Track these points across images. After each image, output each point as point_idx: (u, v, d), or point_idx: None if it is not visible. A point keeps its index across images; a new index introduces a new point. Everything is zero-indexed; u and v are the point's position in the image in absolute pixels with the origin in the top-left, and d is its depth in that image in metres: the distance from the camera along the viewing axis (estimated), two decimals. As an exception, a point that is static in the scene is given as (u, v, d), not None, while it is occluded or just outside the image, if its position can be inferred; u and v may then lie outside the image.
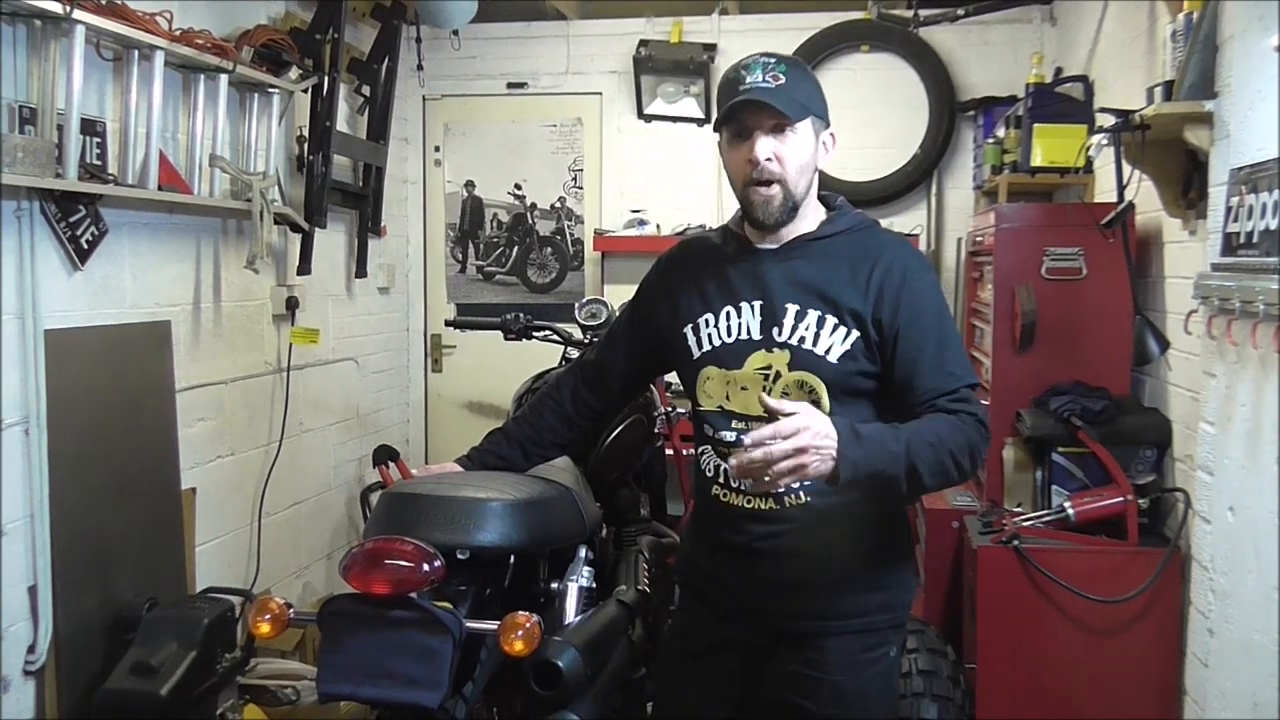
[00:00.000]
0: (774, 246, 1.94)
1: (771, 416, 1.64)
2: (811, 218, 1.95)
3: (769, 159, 1.84)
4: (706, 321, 1.96)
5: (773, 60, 1.85)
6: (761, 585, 1.95)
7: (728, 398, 1.94)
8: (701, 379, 1.97)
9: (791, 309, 1.88)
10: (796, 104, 1.83)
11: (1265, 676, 2.14)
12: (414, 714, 1.81)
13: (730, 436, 1.93)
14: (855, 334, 1.86)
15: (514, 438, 2.28)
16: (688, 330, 1.99)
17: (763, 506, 1.91)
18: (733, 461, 1.69)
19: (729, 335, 1.93)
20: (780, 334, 1.89)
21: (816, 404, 1.85)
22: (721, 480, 1.96)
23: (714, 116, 1.90)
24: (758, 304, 1.91)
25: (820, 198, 1.99)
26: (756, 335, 1.91)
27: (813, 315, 1.87)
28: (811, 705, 1.91)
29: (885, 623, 1.95)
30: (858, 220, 1.97)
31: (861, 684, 1.92)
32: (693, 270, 2.03)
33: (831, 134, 1.94)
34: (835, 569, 1.91)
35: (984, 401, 3.28)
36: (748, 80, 1.83)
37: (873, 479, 1.69)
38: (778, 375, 1.89)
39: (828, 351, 1.86)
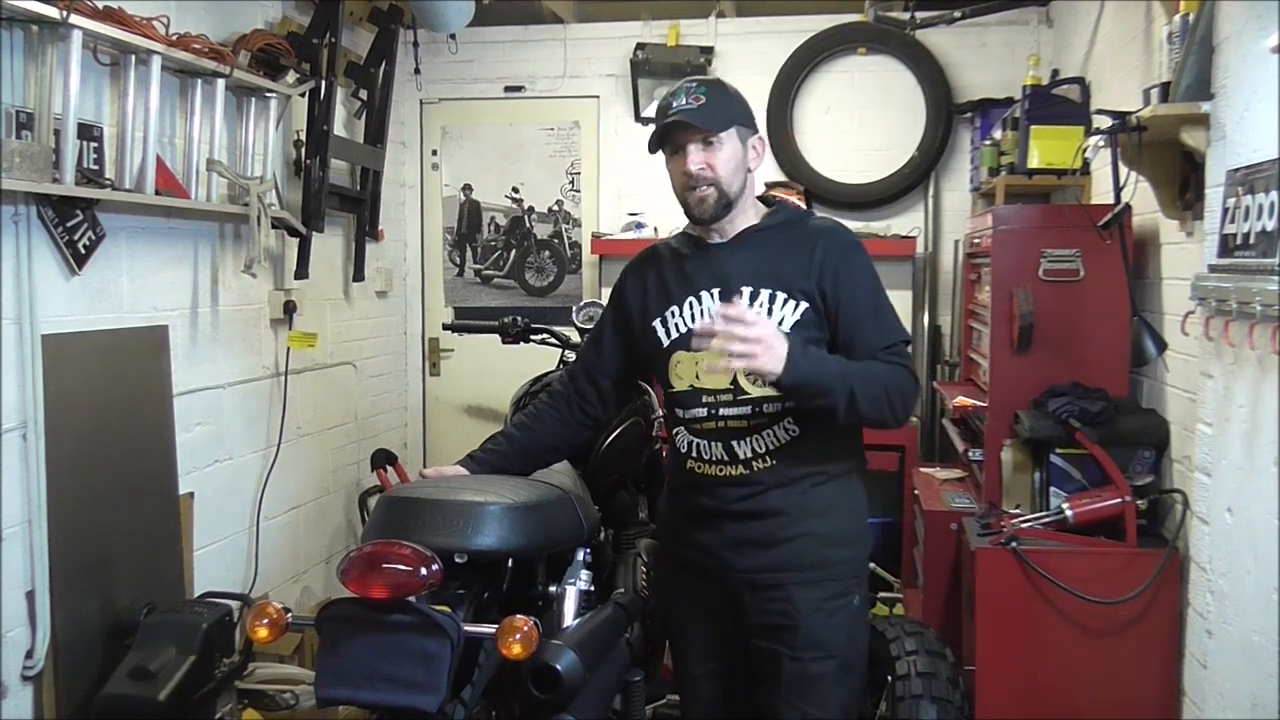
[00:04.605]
0: (725, 240, 2.21)
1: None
2: (752, 213, 2.23)
3: (701, 168, 2.11)
4: (673, 313, 2.21)
5: (694, 84, 2.14)
6: (736, 543, 2.17)
7: (697, 377, 2.16)
8: (673, 364, 2.20)
9: (746, 291, 2.13)
10: (718, 118, 2.11)
11: (1264, 677, 2.14)
12: (412, 718, 1.81)
13: (702, 413, 2.16)
14: (804, 305, 2.12)
15: (516, 442, 2.39)
16: (656, 323, 2.23)
17: (734, 473, 2.15)
18: (702, 346, 2.00)
19: (694, 321, 2.16)
20: None
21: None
22: (695, 455, 2.19)
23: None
24: (716, 291, 2.16)
25: (760, 198, 2.27)
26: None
27: (765, 294, 2.11)
28: (788, 651, 2.14)
29: (847, 573, 2.19)
30: (794, 213, 2.26)
31: (831, 629, 2.14)
32: (656, 272, 2.28)
33: (760, 139, 2.22)
34: (801, 526, 2.14)
35: (981, 403, 3.32)
36: (674, 105, 2.11)
37: (812, 386, 2.00)
38: None
39: (781, 323, 2.09)
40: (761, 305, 2.10)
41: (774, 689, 2.17)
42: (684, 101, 2.10)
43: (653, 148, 2.18)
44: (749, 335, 1.91)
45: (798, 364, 1.96)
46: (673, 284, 2.22)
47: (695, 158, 2.10)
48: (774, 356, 1.94)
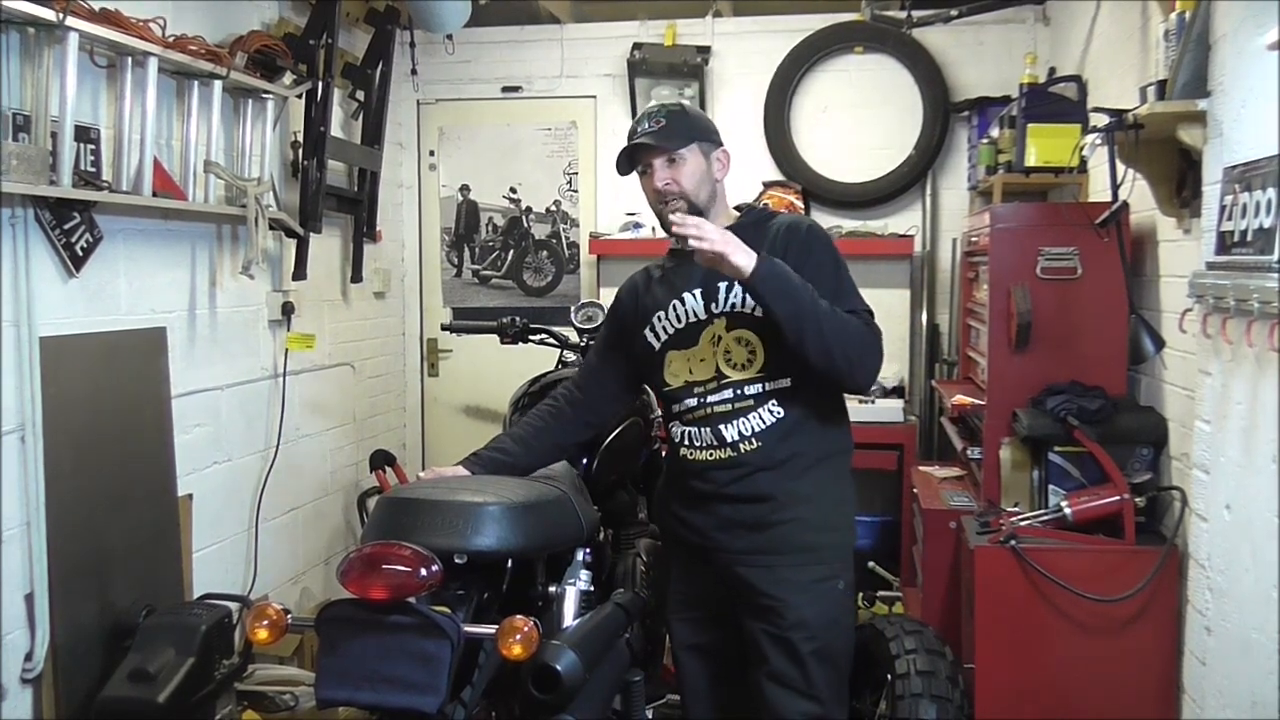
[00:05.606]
0: None
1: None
2: (723, 218, 2.38)
3: (667, 183, 2.32)
4: (659, 318, 2.38)
5: (656, 109, 2.36)
6: (727, 525, 2.31)
7: (691, 371, 2.33)
8: (667, 363, 2.37)
9: (723, 285, 2.29)
10: (677, 137, 2.31)
11: (1263, 674, 2.14)
12: (412, 719, 1.81)
13: (693, 402, 2.32)
14: None
15: (521, 442, 2.48)
16: (646, 331, 2.39)
17: (723, 457, 2.29)
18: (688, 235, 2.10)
19: (679, 321, 2.35)
20: (717, 306, 2.31)
21: (754, 354, 2.27)
22: (687, 442, 2.35)
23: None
24: (698, 291, 2.33)
25: (735, 206, 2.45)
26: (702, 315, 2.33)
27: (739, 285, 2.21)
28: (776, 630, 2.26)
29: (833, 557, 2.33)
30: (762, 213, 2.45)
31: (818, 609, 2.27)
32: (645, 287, 2.46)
33: (725, 151, 2.41)
34: (790, 512, 2.27)
35: (979, 401, 3.32)
36: (638, 130, 2.34)
37: (782, 284, 2.12)
38: (720, 338, 2.30)
39: (754, 309, 2.24)
40: (737, 295, 2.27)
41: (763, 668, 2.28)
42: (646, 126, 2.32)
43: (623, 170, 2.38)
44: (711, 236, 2.08)
45: (767, 261, 2.12)
46: (659, 293, 2.41)
47: (661, 174, 2.32)
48: (742, 252, 2.09)
